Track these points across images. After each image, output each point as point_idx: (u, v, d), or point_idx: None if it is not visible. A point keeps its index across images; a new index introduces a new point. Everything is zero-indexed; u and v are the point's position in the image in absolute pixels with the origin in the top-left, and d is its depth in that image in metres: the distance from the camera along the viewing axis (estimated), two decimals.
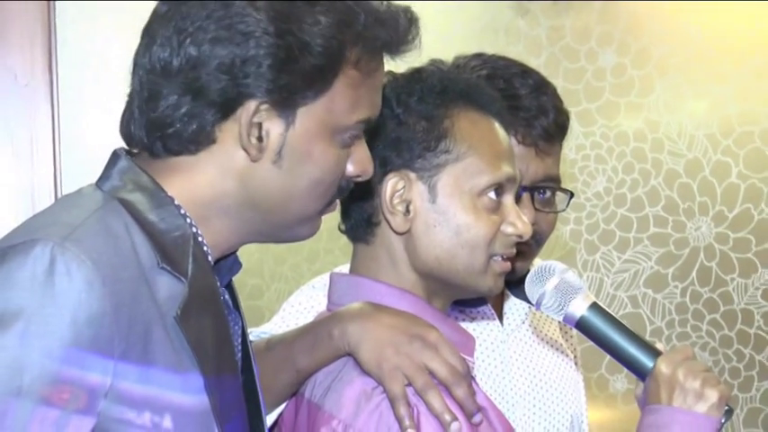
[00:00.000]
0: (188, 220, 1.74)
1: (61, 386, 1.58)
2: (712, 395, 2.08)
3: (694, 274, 3.92)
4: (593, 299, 2.16)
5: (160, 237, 1.70)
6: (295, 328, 2.15)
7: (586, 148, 3.87)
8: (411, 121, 2.04)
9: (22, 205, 3.55)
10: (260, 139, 1.73)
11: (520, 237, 2.07)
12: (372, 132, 1.92)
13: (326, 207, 1.83)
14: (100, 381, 1.60)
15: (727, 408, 2.10)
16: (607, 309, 2.16)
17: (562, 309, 2.14)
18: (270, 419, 2.05)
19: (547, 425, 2.51)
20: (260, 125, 1.72)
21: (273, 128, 1.73)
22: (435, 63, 2.14)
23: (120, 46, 3.58)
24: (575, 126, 3.83)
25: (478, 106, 2.08)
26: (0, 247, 1.62)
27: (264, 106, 1.71)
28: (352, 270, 2.12)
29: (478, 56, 2.44)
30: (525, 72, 2.45)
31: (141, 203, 1.71)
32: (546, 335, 2.56)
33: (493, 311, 2.49)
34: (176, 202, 1.74)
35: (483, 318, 2.48)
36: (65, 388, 1.58)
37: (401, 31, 1.81)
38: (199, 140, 1.73)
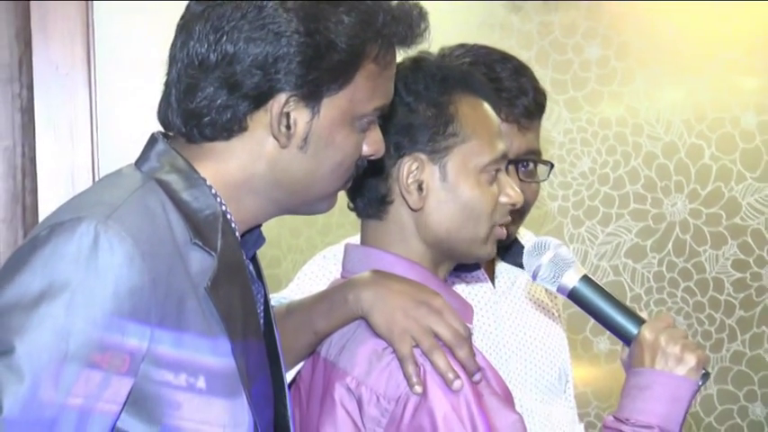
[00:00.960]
0: (218, 200, 1.75)
1: (104, 351, 1.60)
2: (691, 359, 2.09)
3: (670, 245, 3.92)
4: (584, 271, 2.17)
5: (193, 215, 1.71)
6: (311, 293, 2.17)
7: (573, 132, 3.86)
8: (421, 108, 2.05)
9: (62, 183, 3.56)
10: (288, 127, 1.74)
11: (513, 205, 2.10)
12: (384, 119, 1.93)
13: (345, 185, 1.85)
14: (138, 346, 1.62)
15: (704, 371, 2.10)
16: (596, 281, 2.17)
17: (556, 280, 2.15)
18: (289, 376, 2.06)
19: (538, 376, 2.53)
20: (288, 115, 1.73)
21: (301, 117, 1.74)
22: (423, 53, 2.15)
23: (151, 39, 3.60)
24: (563, 112, 3.85)
25: (474, 91, 2.10)
26: (48, 224, 1.64)
27: (293, 98, 1.73)
28: (363, 242, 2.13)
29: (462, 46, 2.47)
30: (504, 57, 2.48)
31: (176, 184, 1.73)
32: (534, 296, 2.58)
33: (486, 275, 2.50)
34: (208, 183, 1.74)
35: (477, 281, 2.50)
36: (107, 352, 1.60)
37: (414, 26, 1.82)
38: (232, 128, 1.74)
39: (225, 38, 1.72)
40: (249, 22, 1.72)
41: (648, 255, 3.91)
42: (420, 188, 2.05)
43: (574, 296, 2.15)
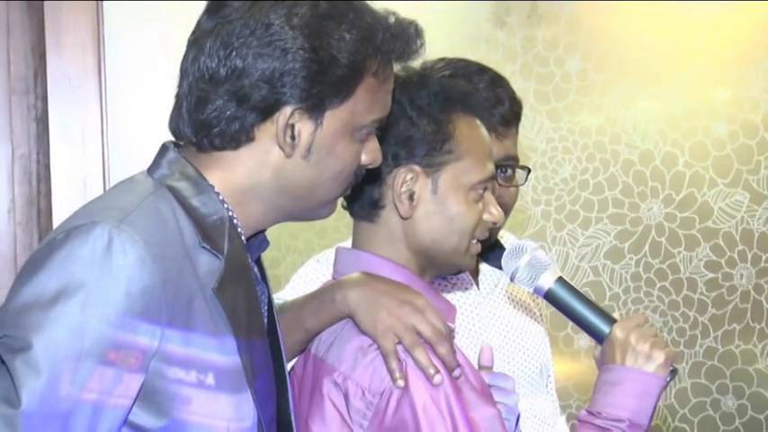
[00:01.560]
0: (225, 206, 1.75)
1: (116, 349, 1.60)
2: (659, 356, 2.08)
3: (647, 247, 3.93)
4: (560, 274, 2.16)
5: (201, 220, 1.71)
6: (303, 294, 2.17)
7: (555, 140, 3.87)
8: (422, 123, 2.05)
9: (75, 188, 3.56)
10: (293, 138, 1.74)
11: (495, 223, 2.11)
12: (385, 129, 1.93)
13: (344, 192, 1.86)
14: (149, 344, 1.62)
15: (672, 368, 2.10)
16: (571, 283, 2.17)
17: (533, 282, 2.14)
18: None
19: (521, 372, 2.54)
20: (293, 126, 1.74)
21: (305, 129, 1.75)
22: (406, 68, 2.14)
23: (159, 52, 3.60)
24: (545, 122, 3.86)
25: (472, 111, 2.11)
26: (64, 228, 1.65)
27: (298, 111, 1.73)
28: (354, 245, 2.13)
29: (442, 59, 2.47)
30: (481, 69, 2.49)
31: (186, 190, 1.73)
32: (516, 297, 2.58)
33: (471, 278, 2.51)
34: (216, 190, 1.75)
35: (462, 284, 2.50)
36: (119, 350, 1.60)
37: (411, 42, 1.83)
38: (240, 139, 1.75)
39: (234, 53, 1.72)
40: (257, 38, 1.72)
41: (626, 256, 3.92)
42: (411, 198, 2.05)
43: (549, 297, 2.15)
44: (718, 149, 3.92)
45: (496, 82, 2.48)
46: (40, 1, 3.54)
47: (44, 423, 1.57)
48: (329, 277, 2.22)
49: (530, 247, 2.15)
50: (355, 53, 1.75)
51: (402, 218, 2.05)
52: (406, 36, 1.82)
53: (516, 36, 3.84)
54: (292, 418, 1.89)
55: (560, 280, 2.15)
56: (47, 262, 1.61)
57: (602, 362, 2.12)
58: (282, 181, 1.77)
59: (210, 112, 1.73)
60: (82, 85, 3.58)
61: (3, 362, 1.59)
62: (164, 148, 1.79)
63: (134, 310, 1.60)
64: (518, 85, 3.78)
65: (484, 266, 2.56)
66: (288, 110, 1.73)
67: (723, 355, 3.95)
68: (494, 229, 2.33)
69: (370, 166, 1.86)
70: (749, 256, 3.95)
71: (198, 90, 1.74)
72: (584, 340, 3.85)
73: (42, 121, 3.56)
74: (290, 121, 1.73)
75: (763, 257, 3.96)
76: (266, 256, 3.65)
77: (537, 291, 2.15)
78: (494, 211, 2.10)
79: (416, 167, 2.05)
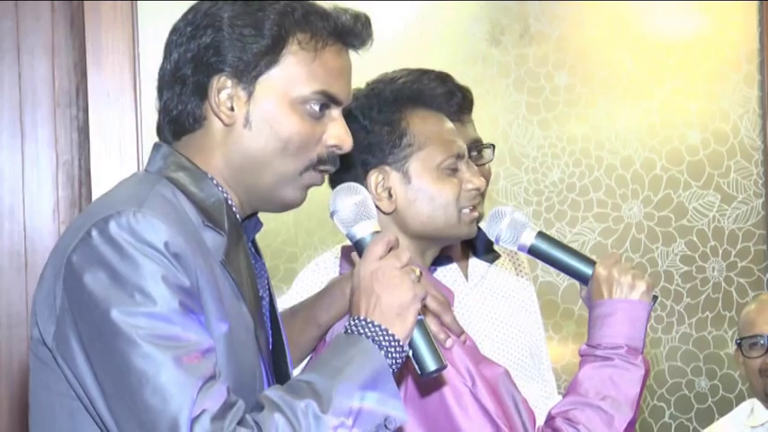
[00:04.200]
0: (220, 189, 1.74)
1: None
2: (642, 285, 2.07)
3: (628, 243, 3.92)
4: (538, 229, 2.15)
5: (202, 203, 1.71)
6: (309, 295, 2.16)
7: (545, 147, 3.86)
8: (376, 128, 2.06)
9: None
10: (231, 109, 1.72)
11: (478, 189, 2.10)
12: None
13: (305, 170, 1.77)
14: (193, 284, 1.62)
15: (653, 294, 2.09)
16: (550, 235, 2.16)
17: (516, 241, 2.12)
18: (298, 371, 2.04)
19: (510, 356, 2.52)
20: (231, 98, 1.72)
21: (238, 97, 1.72)
22: (368, 83, 2.16)
23: None
24: (536, 131, 3.85)
25: (425, 105, 2.11)
26: (91, 222, 1.62)
27: (229, 82, 1.72)
28: None
29: (402, 69, 2.38)
30: (425, 71, 2.41)
31: (183, 179, 1.72)
32: (505, 286, 2.57)
33: (461, 272, 2.50)
34: (210, 176, 1.74)
35: (452, 275, 2.49)
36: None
37: (340, 24, 1.76)
38: (193, 119, 1.74)
39: (173, 47, 1.75)
40: (188, 24, 1.74)
41: (609, 251, 3.91)
42: (390, 194, 2.05)
43: (533, 251, 2.12)
44: (691, 155, 3.92)
45: (443, 77, 2.42)
46: (82, 24, 3.56)
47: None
48: (327, 280, 2.21)
49: (507, 210, 2.14)
50: (273, 23, 1.72)
51: (385, 213, 2.06)
52: (335, 18, 1.76)
53: (510, 54, 3.83)
54: (290, 371, 1.85)
55: (540, 234, 2.12)
56: (103, 258, 1.59)
57: (590, 300, 2.10)
58: (234, 154, 1.73)
59: (165, 101, 1.75)
60: (119, 98, 3.58)
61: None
62: (156, 146, 1.78)
63: (176, 267, 1.59)
64: (511, 98, 3.83)
65: (473, 260, 2.55)
66: (216, 80, 1.71)
67: (697, 340, 3.95)
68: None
69: (340, 151, 1.79)
70: (720, 251, 3.95)
71: (159, 90, 1.77)
72: (570, 327, 3.84)
73: (84, 131, 3.57)
74: (224, 93, 1.72)
75: (733, 252, 3.95)
76: (284, 252, 3.63)
77: (521, 248, 2.12)
78: (474, 179, 2.09)
79: (386, 167, 2.06)
